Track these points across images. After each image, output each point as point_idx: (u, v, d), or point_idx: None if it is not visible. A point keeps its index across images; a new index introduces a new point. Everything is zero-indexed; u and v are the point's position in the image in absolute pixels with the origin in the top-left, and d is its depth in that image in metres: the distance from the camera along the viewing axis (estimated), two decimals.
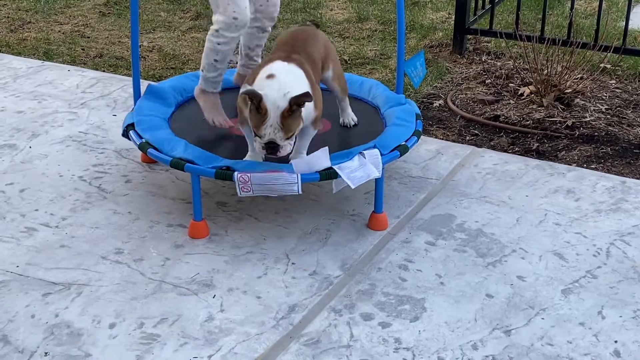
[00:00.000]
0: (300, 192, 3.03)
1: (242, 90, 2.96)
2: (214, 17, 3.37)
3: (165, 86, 3.74)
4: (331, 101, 3.49)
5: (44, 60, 5.07)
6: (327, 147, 3.10)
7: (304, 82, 3.02)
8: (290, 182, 3.00)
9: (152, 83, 3.79)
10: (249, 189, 3.02)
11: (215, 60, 3.42)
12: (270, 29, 3.66)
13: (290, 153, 3.06)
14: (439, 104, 4.48)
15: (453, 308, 2.85)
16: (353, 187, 3.05)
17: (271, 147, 2.94)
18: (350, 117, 3.51)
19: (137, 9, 3.52)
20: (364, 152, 3.13)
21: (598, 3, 4.79)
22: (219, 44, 3.38)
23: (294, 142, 3.04)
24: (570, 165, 3.85)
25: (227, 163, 3.10)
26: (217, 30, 3.36)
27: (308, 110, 3.00)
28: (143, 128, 3.39)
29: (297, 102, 2.88)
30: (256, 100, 2.88)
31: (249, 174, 3.00)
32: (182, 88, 3.75)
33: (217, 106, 3.51)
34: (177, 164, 3.15)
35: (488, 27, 5.07)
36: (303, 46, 3.21)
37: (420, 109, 4.34)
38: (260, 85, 2.95)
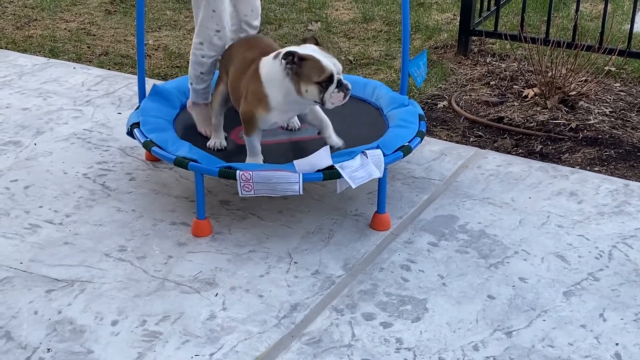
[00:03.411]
0: (301, 193, 3.04)
1: (282, 56, 3.00)
2: (196, 30, 3.41)
3: (170, 87, 3.74)
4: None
5: (49, 57, 5.08)
6: (328, 146, 3.12)
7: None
8: (291, 181, 3.01)
9: (157, 83, 3.80)
10: (250, 187, 3.02)
11: (201, 73, 3.47)
12: None
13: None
14: (443, 105, 4.48)
15: (455, 309, 2.86)
16: (354, 187, 3.06)
17: (345, 85, 2.99)
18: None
19: (143, 7, 3.52)
20: (366, 151, 3.13)
21: (603, 6, 4.79)
22: (203, 56, 3.43)
23: None
24: (574, 167, 3.85)
25: (230, 164, 3.11)
26: (200, 43, 3.41)
27: None
28: (148, 129, 3.40)
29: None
30: (298, 56, 2.95)
31: (251, 172, 3.01)
32: (186, 89, 3.75)
33: (208, 117, 3.50)
34: (181, 162, 3.16)
35: (493, 29, 5.07)
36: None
37: (424, 110, 4.35)
38: (269, 58, 3.07)
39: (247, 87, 3.13)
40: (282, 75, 3.02)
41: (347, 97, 3.02)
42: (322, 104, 3.02)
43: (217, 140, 3.38)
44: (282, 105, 3.08)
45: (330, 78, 2.96)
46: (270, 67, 3.07)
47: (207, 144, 3.36)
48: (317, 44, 3.10)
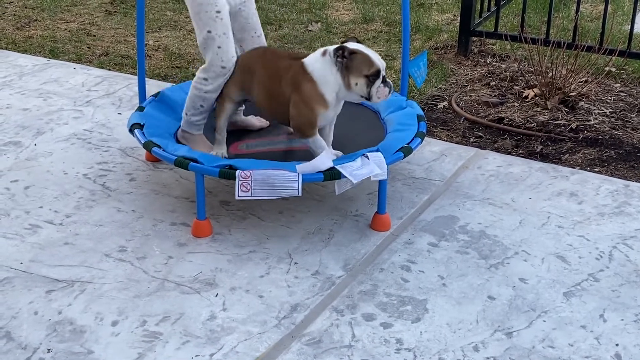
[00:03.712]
0: (300, 194, 3.03)
1: (333, 50, 3.11)
2: (203, 66, 3.37)
3: (177, 97, 3.70)
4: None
5: (49, 58, 5.08)
6: (330, 149, 3.13)
7: None
8: (291, 179, 3.00)
9: (164, 89, 3.77)
10: (248, 187, 3.02)
11: (201, 106, 3.43)
12: None
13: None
14: (444, 106, 4.49)
15: (455, 309, 2.86)
16: (355, 182, 3.06)
17: (388, 82, 3.15)
18: None
19: (143, 8, 3.52)
20: (367, 154, 3.13)
21: (603, 6, 4.79)
22: (206, 92, 3.39)
23: None
24: (574, 168, 3.85)
25: (230, 162, 3.11)
26: (205, 79, 3.37)
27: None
28: (150, 132, 3.39)
29: None
30: (348, 50, 3.08)
31: (250, 170, 3.01)
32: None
33: (202, 142, 3.48)
34: (181, 162, 3.16)
35: (493, 30, 5.07)
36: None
37: (424, 110, 4.35)
38: (316, 57, 3.16)
39: (295, 91, 3.16)
40: (332, 71, 3.12)
41: (391, 93, 3.18)
42: (368, 97, 3.13)
43: (220, 150, 3.38)
44: (334, 101, 3.18)
45: (377, 72, 3.10)
46: (319, 65, 3.14)
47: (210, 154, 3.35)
48: (358, 42, 3.22)
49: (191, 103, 3.44)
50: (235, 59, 3.36)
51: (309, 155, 3.20)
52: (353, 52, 3.10)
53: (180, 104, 3.63)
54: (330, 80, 3.13)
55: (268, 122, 3.66)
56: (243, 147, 3.48)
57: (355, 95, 3.15)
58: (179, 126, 3.54)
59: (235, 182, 3.03)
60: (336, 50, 3.10)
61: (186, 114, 3.47)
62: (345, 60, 3.09)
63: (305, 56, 3.23)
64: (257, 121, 3.66)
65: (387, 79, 3.14)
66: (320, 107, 3.15)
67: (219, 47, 3.31)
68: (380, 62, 3.11)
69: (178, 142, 3.45)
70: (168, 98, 3.70)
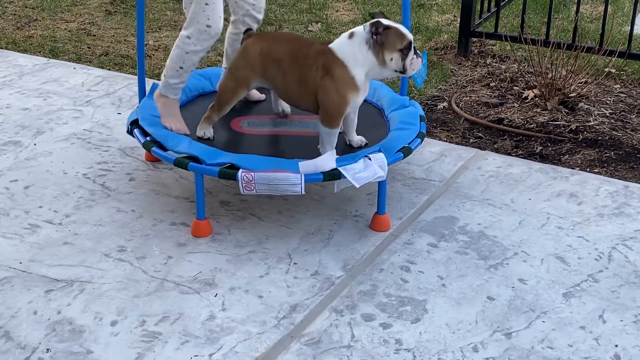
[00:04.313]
0: (303, 193, 3.04)
1: (369, 27, 3.09)
2: (186, 23, 3.33)
3: None
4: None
5: (49, 57, 5.08)
6: (334, 151, 3.13)
7: None
8: (293, 182, 3.01)
9: (157, 82, 3.79)
10: (252, 188, 3.03)
11: (181, 68, 3.39)
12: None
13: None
14: (443, 106, 4.49)
15: (454, 310, 2.86)
16: (358, 186, 3.06)
17: (418, 51, 3.16)
18: None
19: (143, 8, 3.52)
20: (370, 155, 3.13)
21: (603, 7, 4.79)
22: (187, 52, 3.35)
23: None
24: (574, 169, 3.85)
25: (231, 158, 3.11)
26: (188, 37, 3.32)
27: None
28: (147, 123, 3.40)
29: None
30: (383, 26, 3.07)
31: (252, 173, 3.01)
32: (187, 88, 3.75)
33: (175, 112, 3.47)
34: (181, 162, 3.16)
35: (493, 30, 5.07)
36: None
37: (424, 111, 4.35)
38: (343, 40, 3.16)
39: (326, 77, 3.14)
40: (364, 50, 3.12)
41: (423, 63, 3.26)
42: (403, 71, 3.14)
43: (207, 130, 3.39)
44: (364, 83, 3.19)
45: (410, 45, 3.11)
46: (349, 47, 3.14)
47: (197, 134, 3.37)
48: (385, 16, 3.21)
49: (171, 63, 3.40)
50: (221, 20, 3.29)
51: (309, 143, 3.19)
52: (387, 27, 3.09)
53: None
54: (361, 60, 3.12)
55: (264, 96, 3.72)
56: (244, 125, 3.48)
57: (389, 70, 3.15)
58: (157, 86, 3.54)
59: (239, 182, 3.03)
60: (371, 26, 3.08)
61: (164, 76, 3.44)
62: (379, 37, 3.08)
63: (329, 42, 3.23)
64: (254, 93, 3.68)
65: (417, 50, 3.16)
66: (352, 93, 3.14)
67: (206, 4, 3.25)
68: (410, 34, 3.12)
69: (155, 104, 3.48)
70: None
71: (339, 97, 3.14)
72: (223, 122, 3.49)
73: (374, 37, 3.08)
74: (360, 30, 3.13)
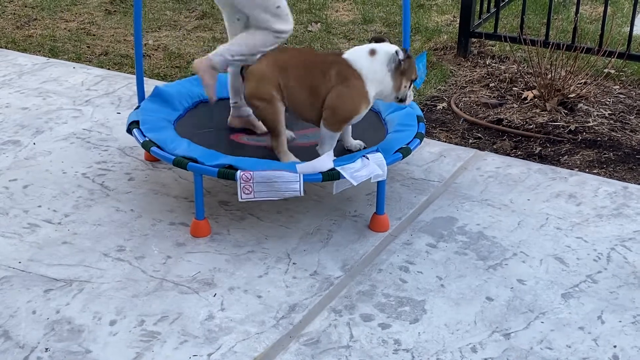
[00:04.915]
0: (302, 194, 3.04)
1: (401, 54, 3.15)
2: (277, 25, 3.30)
3: (172, 90, 3.71)
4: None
5: (49, 57, 5.08)
6: (331, 152, 3.13)
7: None
8: (292, 181, 3.01)
9: (159, 85, 3.78)
10: (250, 189, 3.03)
11: (252, 54, 3.31)
12: None
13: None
14: (443, 107, 4.49)
15: (453, 310, 2.86)
16: (355, 184, 3.06)
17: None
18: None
19: (140, 7, 3.52)
20: (367, 155, 3.14)
21: (603, 8, 4.79)
22: (265, 45, 3.29)
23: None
24: (573, 169, 3.85)
25: (230, 160, 3.11)
26: (280, 32, 3.30)
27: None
28: (147, 128, 3.39)
29: None
30: (407, 54, 3.16)
31: (251, 172, 3.01)
32: (186, 93, 3.73)
33: (215, 82, 3.40)
34: (180, 162, 3.16)
35: (493, 31, 5.08)
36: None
37: (423, 111, 4.35)
38: (362, 54, 3.19)
39: (341, 84, 3.15)
40: (384, 71, 3.16)
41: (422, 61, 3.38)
42: (404, 99, 3.24)
43: (288, 156, 3.29)
44: (373, 100, 3.23)
45: (416, 78, 3.24)
46: (368, 63, 3.17)
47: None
48: (390, 42, 3.28)
49: (246, 48, 3.31)
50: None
51: (309, 153, 3.20)
52: (409, 57, 3.18)
53: (176, 97, 3.65)
54: (379, 79, 3.16)
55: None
56: (244, 138, 3.48)
57: (393, 96, 3.23)
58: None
59: (237, 184, 3.03)
60: (404, 52, 3.15)
61: (231, 55, 3.32)
62: (404, 63, 3.15)
63: (342, 53, 3.25)
64: (261, 126, 3.64)
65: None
66: (364, 106, 3.19)
67: (277, 7, 3.29)
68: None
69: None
70: (164, 92, 3.68)
71: (352, 105, 3.16)
72: (224, 136, 3.49)
73: (402, 63, 3.14)
74: (384, 50, 3.17)
